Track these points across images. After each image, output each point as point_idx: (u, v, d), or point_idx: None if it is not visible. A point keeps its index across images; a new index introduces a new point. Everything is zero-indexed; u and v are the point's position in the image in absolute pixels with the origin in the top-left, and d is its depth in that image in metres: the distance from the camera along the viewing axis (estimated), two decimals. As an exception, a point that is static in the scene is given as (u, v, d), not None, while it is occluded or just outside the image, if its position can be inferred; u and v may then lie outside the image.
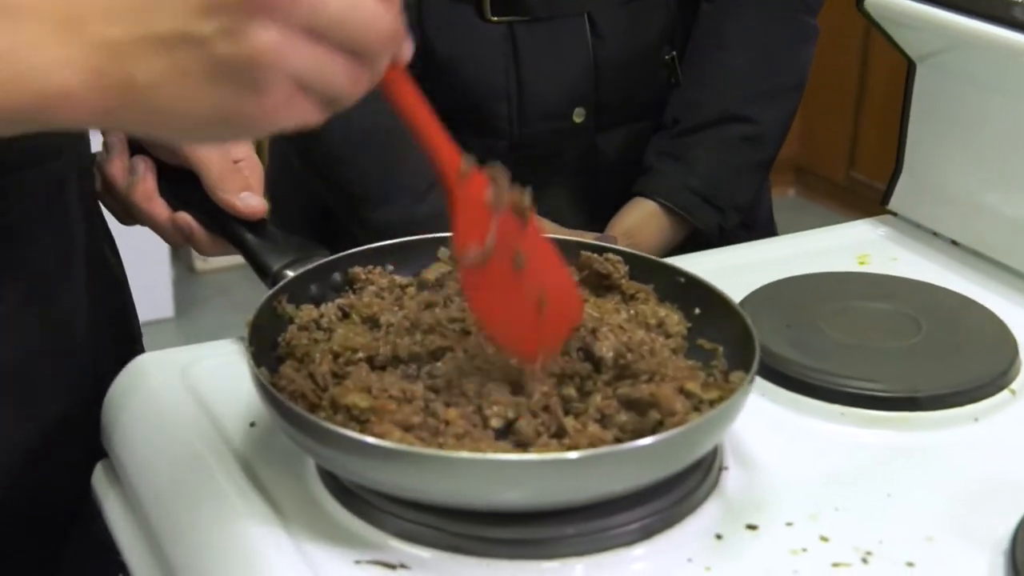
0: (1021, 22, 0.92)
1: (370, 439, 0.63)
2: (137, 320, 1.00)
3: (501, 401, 0.68)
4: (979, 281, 0.99)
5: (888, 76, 3.20)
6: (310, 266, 0.81)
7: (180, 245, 0.88)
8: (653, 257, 0.85)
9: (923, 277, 0.98)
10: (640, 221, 1.17)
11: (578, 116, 1.16)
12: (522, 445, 0.67)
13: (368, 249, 0.84)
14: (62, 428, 0.84)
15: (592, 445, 0.66)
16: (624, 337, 0.75)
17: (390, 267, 0.84)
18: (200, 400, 0.80)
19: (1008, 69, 0.97)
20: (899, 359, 0.85)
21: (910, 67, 1.07)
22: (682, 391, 0.70)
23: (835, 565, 0.66)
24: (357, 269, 0.83)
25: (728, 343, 0.77)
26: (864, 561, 0.67)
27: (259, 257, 0.83)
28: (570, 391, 0.71)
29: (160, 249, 2.69)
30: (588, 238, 1.13)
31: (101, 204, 0.91)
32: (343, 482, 0.70)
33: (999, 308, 0.92)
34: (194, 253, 0.85)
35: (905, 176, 1.10)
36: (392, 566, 0.65)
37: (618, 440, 0.67)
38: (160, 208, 0.86)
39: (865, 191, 3.37)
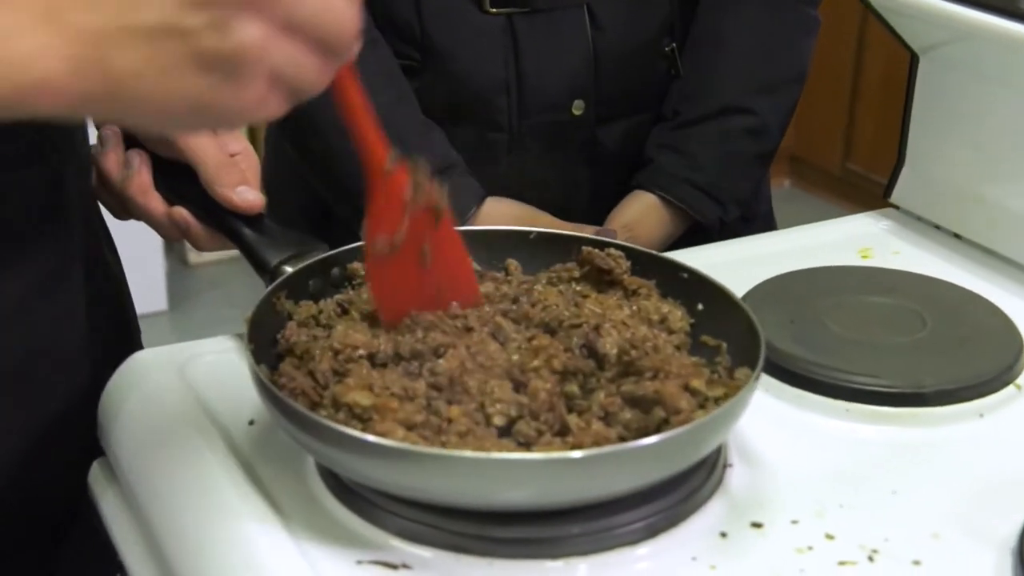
0: (1023, 13, 0.92)
1: (373, 438, 0.62)
2: (135, 317, 0.99)
3: (504, 399, 0.67)
4: (982, 275, 0.99)
5: (884, 67, 3.20)
6: (309, 261, 0.80)
7: (176, 240, 0.87)
8: (655, 252, 0.85)
9: (926, 271, 0.97)
10: (640, 214, 1.17)
11: (577, 108, 1.16)
12: (526, 444, 0.66)
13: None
14: (60, 427, 0.84)
15: (596, 444, 0.65)
16: (627, 333, 0.74)
17: (389, 262, 0.83)
18: (198, 397, 0.79)
19: (1012, 61, 0.96)
20: (904, 354, 0.84)
21: (912, 59, 1.07)
22: (687, 388, 0.69)
23: (841, 563, 0.66)
24: (356, 264, 0.82)
25: (732, 339, 0.76)
26: (870, 559, 0.66)
27: (257, 252, 0.82)
28: (573, 388, 0.70)
29: (153, 242, 2.68)
30: (588, 231, 1.12)
31: (96, 199, 0.90)
32: (344, 481, 0.69)
33: (1003, 302, 0.91)
34: (187, 246, 0.85)
35: (907, 169, 1.09)
36: (394, 566, 0.65)
37: (622, 438, 0.66)
38: (156, 203, 0.85)
39: (861, 182, 3.37)
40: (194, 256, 3.07)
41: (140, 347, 0.98)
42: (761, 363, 0.70)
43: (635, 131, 1.19)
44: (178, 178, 0.84)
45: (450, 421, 0.65)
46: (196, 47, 0.51)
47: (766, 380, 0.81)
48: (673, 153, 1.17)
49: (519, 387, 0.68)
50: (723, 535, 0.68)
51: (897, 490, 0.72)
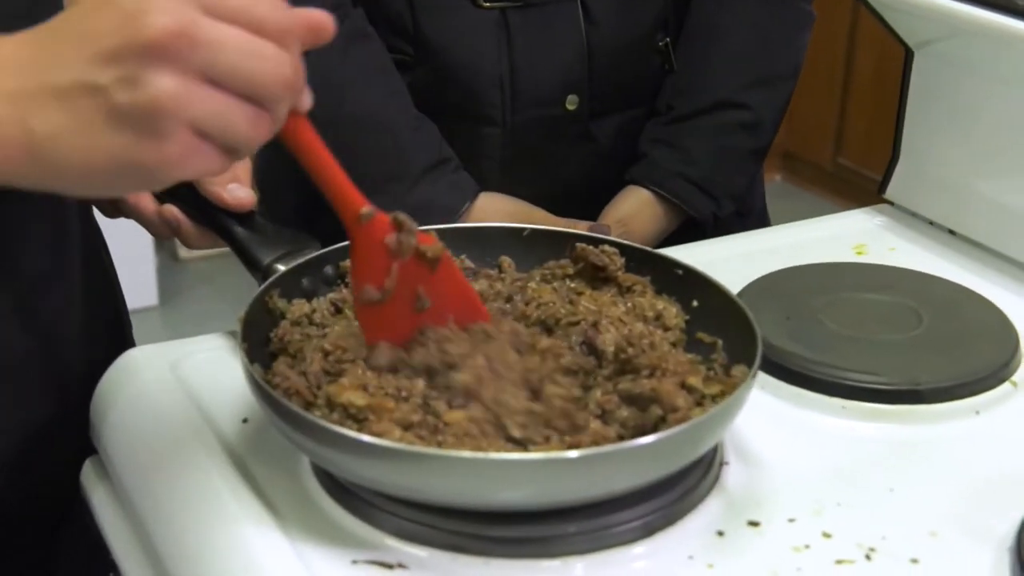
0: (1019, 9, 0.91)
1: (370, 438, 0.62)
2: (127, 314, 0.99)
3: (520, 410, 0.65)
4: (977, 271, 0.98)
5: (875, 62, 3.20)
6: (302, 260, 0.79)
7: (167, 238, 0.87)
8: (649, 249, 0.84)
9: (921, 267, 0.97)
10: (634, 209, 1.16)
11: (571, 103, 1.15)
12: (522, 443, 0.65)
13: (360, 242, 0.82)
14: (54, 425, 0.83)
15: (595, 443, 0.65)
16: (624, 330, 0.73)
17: (382, 259, 0.82)
18: (191, 395, 0.79)
19: (1007, 57, 0.96)
20: (900, 351, 0.84)
21: (907, 55, 1.06)
22: (683, 386, 0.69)
23: (839, 562, 0.66)
24: (349, 262, 0.81)
25: (728, 336, 0.76)
26: (868, 558, 0.66)
27: (249, 250, 0.81)
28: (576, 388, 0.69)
29: (144, 238, 2.67)
30: (581, 227, 1.12)
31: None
32: (339, 480, 0.68)
33: (998, 298, 0.91)
34: (178, 242, 0.84)
35: (902, 165, 1.09)
36: (390, 566, 0.64)
37: (620, 436, 0.66)
38: (147, 201, 0.84)
39: (852, 177, 3.37)
40: (184, 252, 3.06)
41: (132, 343, 0.97)
42: (758, 361, 0.69)
43: (629, 126, 1.19)
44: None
45: (447, 424, 0.65)
46: (110, 103, 0.50)
47: (762, 377, 0.81)
48: (667, 148, 1.17)
49: (534, 395, 0.67)
50: (720, 534, 0.67)
51: (894, 488, 0.72)
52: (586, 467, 0.62)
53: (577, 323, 0.74)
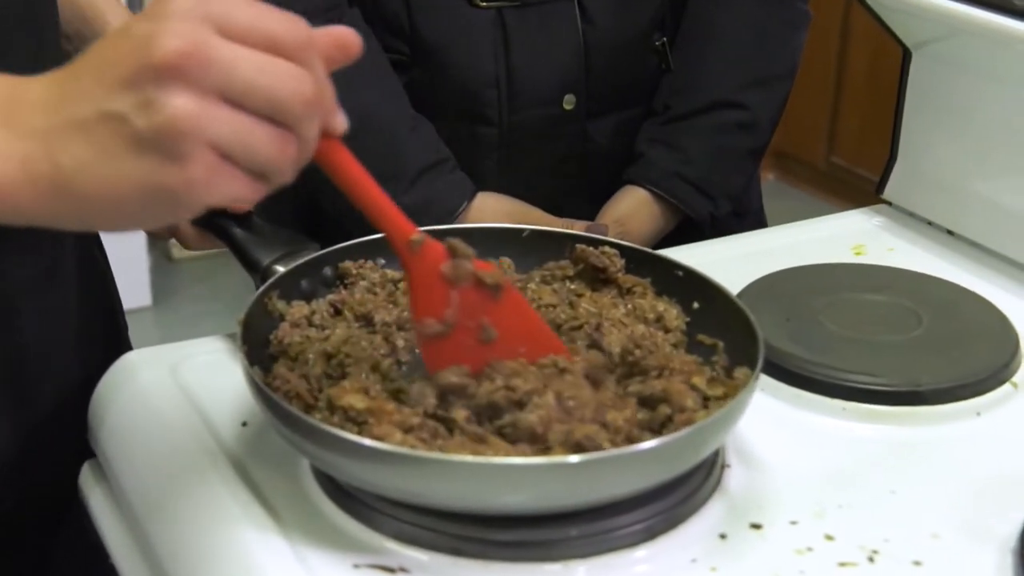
0: (1017, 9, 0.91)
1: (370, 442, 0.62)
2: (123, 314, 0.98)
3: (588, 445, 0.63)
4: (976, 271, 0.98)
5: (868, 61, 3.20)
6: (300, 261, 0.79)
7: (165, 239, 0.87)
8: (650, 250, 0.84)
9: (919, 267, 0.97)
10: (631, 209, 1.16)
11: (568, 103, 1.15)
12: (533, 443, 0.65)
13: (359, 243, 0.82)
14: (50, 427, 0.83)
15: (629, 437, 0.64)
16: (626, 332, 0.73)
17: (381, 261, 0.82)
18: (190, 399, 0.78)
19: (1004, 57, 0.96)
20: (900, 352, 0.84)
21: (905, 55, 1.06)
22: (690, 386, 0.69)
23: (841, 565, 0.65)
24: (348, 263, 0.81)
25: (728, 338, 0.76)
26: (871, 560, 0.66)
27: (247, 252, 0.81)
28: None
29: (137, 238, 2.67)
30: (579, 227, 1.12)
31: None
32: (339, 483, 0.68)
33: (997, 299, 0.91)
34: (171, 241, 0.83)
35: (900, 165, 1.09)
36: (391, 570, 0.64)
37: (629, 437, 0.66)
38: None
39: (845, 176, 3.37)
40: (178, 251, 3.06)
41: (129, 346, 0.97)
42: (760, 363, 0.69)
43: (626, 125, 1.19)
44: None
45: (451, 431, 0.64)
46: (130, 129, 0.50)
47: (762, 379, 0.80)
48: (664, 147, 1.17)
49: (605, 427, 0.65)
50: (723, 537, 0.67)
51: (896, 490, 0.72)
52: (588, 472, 0.62)
53: (580, 327, 0.74)
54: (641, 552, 0.66)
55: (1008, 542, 0.67)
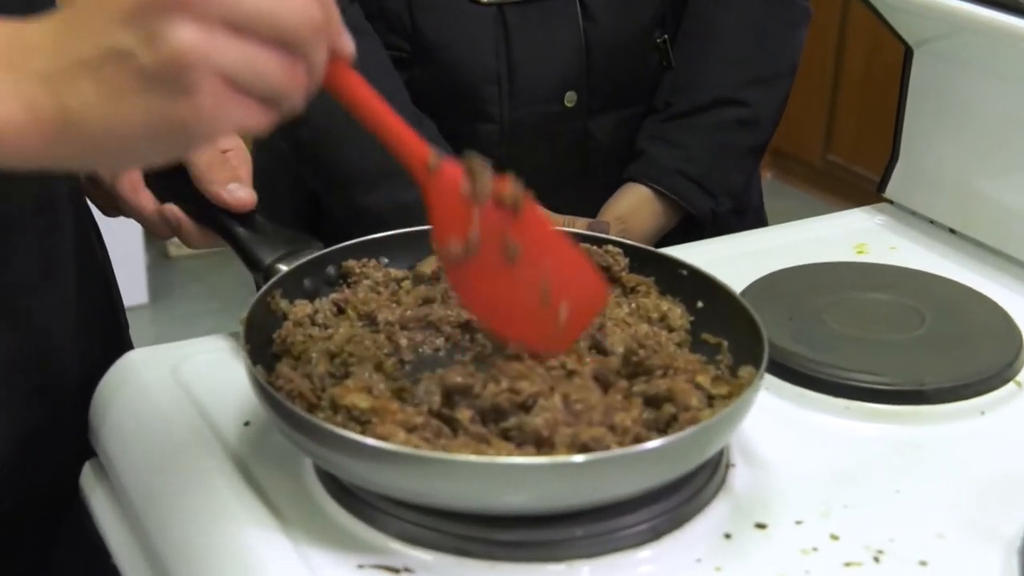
0: (1020, 6, 0.91)
1: (373, 441, 0.61)
2: (123, 312, 0.98)
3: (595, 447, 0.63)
4: (978, 270, 0.98)
5: (865, 59, 3.20)
6: (303, 260, 0.79)
7: (167, 237, 0.86)
8: (653, 249, 0.84)
9: (922, 266, 0.97)
10: (633, 206, 1.16)
11: (569, 100, 1.15)
12: (537, 444, 0.64)
13: (362, 242, 0.82)
14: (51, 426, 0.82)
15: (637, 437, 0.64)
16: (630, 331, 0.73)
17: (384, 260, 0.82)
18: (192, 398, 0.78)
19: (1007, 54, 0.96)
20: (903, 351, 0.83)
21: (907, 53, 1.06)
22: (694, 385, 0.68)
23: (847, 565, 0.65)
24: (351, 262, 0.81)
25: (732, 337, 0.75)
26: (876, 560, 0.66)
27: (250, 251, 0.81)
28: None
29: (134, 235, 2.66)
30: (580, 224, 1.12)
31: (86, 196, 0.89)
32: (343, 483, 0.68)
33: (1000, 297, 0.91)
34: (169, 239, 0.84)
35: (902, 163, 1.09)
36: (396, 570, 0.64)
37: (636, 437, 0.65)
38: (147, 200, 0.83)
39: (843, 174, 3.37)
40: (175, 249, 3.05)
41: (130, 344, 0.96)
42: (765, 362, 0.69)
43: (627, 123, 1.18)
44: (169, 175, 0.83)
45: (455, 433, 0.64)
46: (136, 65, 0.49)
47: (766, 378, 0.80)
48: (665, 145, 1.17)
49: (613, 430, 0.65)
50: (727, 536, 0.67)
51: (900, 489, 0.72)
52: (592, 471, 0.62)
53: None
54: (646, 552, 0.65)
55: (1013, 542, 0.66)
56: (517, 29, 1.11)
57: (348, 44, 0.56)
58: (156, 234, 0.85)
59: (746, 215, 1.24)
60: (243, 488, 0.69)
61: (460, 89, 1.13)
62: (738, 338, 0.75)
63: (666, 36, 1.17)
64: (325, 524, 0.67)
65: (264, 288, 0.75)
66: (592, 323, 0.72)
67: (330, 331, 0.74)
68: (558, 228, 0.82)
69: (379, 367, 0.70)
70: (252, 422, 0.75)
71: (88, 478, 0.81)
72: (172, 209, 0.83)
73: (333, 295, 0.78)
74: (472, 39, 1.12)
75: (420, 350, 0.74)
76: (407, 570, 0.63)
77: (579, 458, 0.62)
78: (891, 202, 1.10)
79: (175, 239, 0.85)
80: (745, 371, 0.71)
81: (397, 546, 0.65)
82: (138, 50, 0.49)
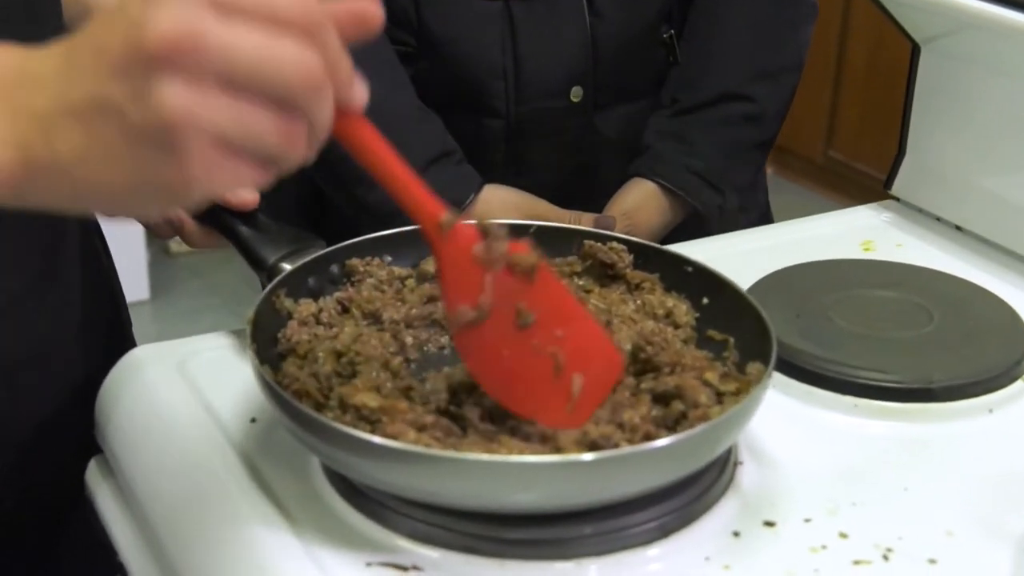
0: (1027, 3, 0.91)
1: (383, 440, 0.61)
2: (126, 309, 0.97)
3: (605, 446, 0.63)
4: (985, 267, 0.98)
5: (867, 55, 3.19)
6: (308, 258, 0.78)
7: (169, 237, 0.86)
8: (659, 245, 0.84)
9: (928, 263, 0.97)
10: (639, 202, 1.16)
11: (575, 95, 1.14)
12: (547, 442, 0.64)
13: (365, 240, 0.81)
14: (56, 423, 0.82)
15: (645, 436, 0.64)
16: (636, 328, 0.73)
17: (388, 258, 0.82)
18: (198, 395, 0.78)
19: (1014, 51, 0.95)
20: (911, 349, 0.83)
21: (914, 50, 1.06)
22: (702, 382, 0.68)
23: (856, 563, 0.65)
24: (355, 260, 0.80)
25: (738, 334, 0.75)
26: (885, 558, 0.65)
27: (253, 250, 0.80)
28: None
29: (135, 232, 2.66)
30: (586, 219, 1.12)
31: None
32: (351, 481, 0.67)
33: (1006, 295, 0.91)
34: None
35: (908, 160, 1.09)
36: (404, 568, 0.63)
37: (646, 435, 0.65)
38: (149, 199, 0.83)
39: (844, 170, 3.37)
40: (176, 246, 3.05)
41: (133, 342, 0.96)
42: (774, 359, 0.69)
43: (633, 118, 1.18)
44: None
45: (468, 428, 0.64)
46: (125, 121, 0.47)
47: (773, 375, 0.80)
48: (671, 140, 1.16)
49: (621, 427, 0.65)
50: (736, 534, 0.67)
51: (909, 487, 0.71)
52: (601, 470, 0.61)
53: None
54: (654, 550, 0.65)
55: (1023, 539, 0.66)
56: (523, 24, 1.11)
57: (358, 95, 0.53)
58: (159, 234, 0.85)
59: (752, 212, 1.24)
60: (250, 485, 0.69)
61: (466, 84, 1.12)
62: (744, 335, 0.74)
63: (672, 31, 1.17)
64: (333, 522, 0.66)
65: (269, 287, 0.75)
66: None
67: (335, 330, 0.74)
68: (552, 226, 0.82)
69: (385, 366, 0.70)
70: (258, 419, 0.75)
71: (94, 475, 0.81)
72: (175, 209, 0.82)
73: (337, 294, 0.78)
74: (478, 34, 1.11)
75: (425, 348, 0.74)
76: (415, 568, 0.63)
77: (589, 456, 0.62)
78: (897, 199, 1.10)
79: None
80: (753, 368, 0.71)
81: (405, 544, 0.65)
82: (127, 106, 0.47)
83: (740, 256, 0.96)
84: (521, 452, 0.62)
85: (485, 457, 0.61)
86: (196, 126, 0.46)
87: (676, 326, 0.77)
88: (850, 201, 1.12)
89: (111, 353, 0.84)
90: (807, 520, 0.68)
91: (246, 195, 0.80)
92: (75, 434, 0.82)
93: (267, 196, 0.83)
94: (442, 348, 0.74)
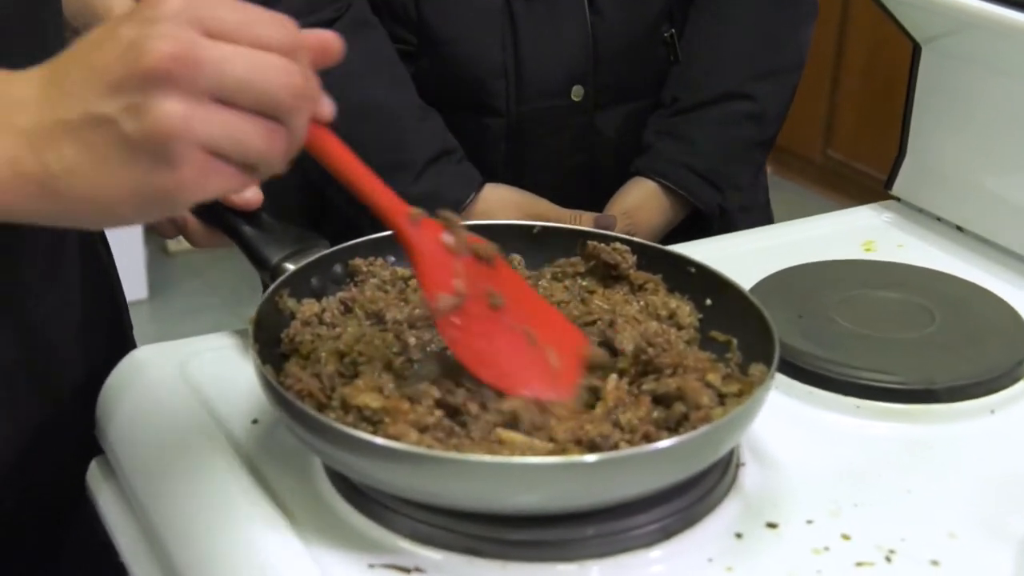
0: (1029, 3, 0.91)
1: (385, 441, 0.61)
2: (127, 309, 0.97)
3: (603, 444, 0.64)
4: (986, 268, 0.98)
5: (865, 55, 3.19)
6: (311, 258, 0.78)
7: (172, 237, 0.85)
8: (662, 246, 0.84)
9: (930, 264, 0.97)
10: (640, 201, 1.16)
11: (576, 94, 1.14)
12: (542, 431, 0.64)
13: (368, 240, 0.81)
14: (56, 423, 0.82)
15: (644, 436, 0.64)
16: (640, 329, 0.73)
17: (391, 258, 0.81)
18: (200, 395, 0.78)
19: (1015, 51, 0.95)
20: (914, 350, 0.83)
21: (915, 50, 1.06)
22: (704, 383, 0.68)
23: (859, 564, 0.65)
24: (358, 260, 0.80)
25: (741, 335, 0.75)
26: (888, 560, 0.65)
27: (257, 249, 0.80)
28: (597, 383, 0.68)
29: (133, 231, 2.65)
30: (587, 219, 1.12)
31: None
32: (353, 482, 0.67)
33: (1008, 295, 0.91)
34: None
35: (909, 161, 1.09)
36: (406, 569, 0.63)
37: (646, 435, 0.65)
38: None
39: (842, 170, 3.37)
40: (174, 244, 3.04)
41: (133, 343, 0.96)
42: (776, 361, 0.69)
43: (634, 117, 1.18)
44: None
45: (502, 443, 0.64)
46: (120, 134, 0.50)
47: (776, 376, 0.80)
48: (672, 139, 1.16)
49: (615, 425, 0.65)
50: (738, 536, 0.67)
51: (911, 488, 0.71)
52: (604, 471, 0.61)
53: (593, 323, 0.74)
54: (657, 552, 0.65)
55: (1025, 541, 0.66)
56: (524, 23, 1.11)
57: (327, 107, 0.58)
58: (162, 233, 0.85)
59: (752, 211, 1.24)
60: (252, 486, 0.69)
61: (467, 83, 1.12)
62: (747, 336, 0.74)
63: (673, 31, 1.17)
64: (335, 523, 0.66)
65: (272, 287, 0.75)
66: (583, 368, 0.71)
67: (338, 330, 0.74)
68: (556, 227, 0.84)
69: (388, 366, 0.70)
70: (260, 420, 0.75)
71: (95, 475, 0.80)
72: (178, 208, 0.82)
73: (340, 294, 0.78)
74: (479, 32, 1.11)
75: (428, 349, 0.74)
76: (418, 570, 0.63)
77: (591, 458, 0.62)
78: (898, 199, 1.10)
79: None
80: (756, 369, 0.71)
81: (407, 545, 0.65)
82: (122, 119, 0.50)
83: (741, 256, 0.96)
84: (524, 446, 0.62)
85: (487, 458, 0.61)
86: (191, 135, 0.50)
87: (680, 327, 0.77)
88: (849, 201, 1.12)
89: (112, 355, 0.84)
90: (809, 521, 0.68)
91: (250, 195, 0.80)
92: (76, 434, 0.82)
93: (268, 196, 0.83)
94: (445, 348, 0.74)
